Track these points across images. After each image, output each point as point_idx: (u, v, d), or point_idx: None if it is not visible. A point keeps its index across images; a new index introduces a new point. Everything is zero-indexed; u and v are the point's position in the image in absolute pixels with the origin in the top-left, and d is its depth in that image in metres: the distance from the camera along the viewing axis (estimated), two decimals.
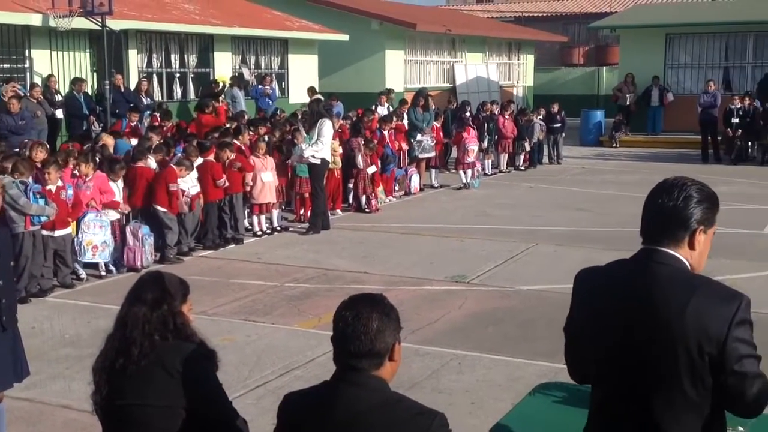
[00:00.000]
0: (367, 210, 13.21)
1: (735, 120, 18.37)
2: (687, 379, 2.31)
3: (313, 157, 11.37)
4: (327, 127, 11.44)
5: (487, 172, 17.56)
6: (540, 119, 18.66)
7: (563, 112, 19.57)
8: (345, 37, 21.10)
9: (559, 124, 19.23)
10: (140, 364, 2.87)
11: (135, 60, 16.92)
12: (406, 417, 2.39)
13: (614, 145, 21.82)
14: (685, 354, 2.30)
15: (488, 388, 6.00)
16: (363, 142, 13.33)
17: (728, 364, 2.28)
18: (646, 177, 16.72)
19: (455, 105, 18.52)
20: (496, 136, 17.61)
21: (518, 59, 29.91)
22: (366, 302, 2.48)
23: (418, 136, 15.45)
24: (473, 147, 15.62)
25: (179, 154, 10.76)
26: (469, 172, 15.67)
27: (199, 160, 10.66)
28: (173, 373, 2.85)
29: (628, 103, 22.53)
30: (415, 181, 15.21)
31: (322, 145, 11.35)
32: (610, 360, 2.45)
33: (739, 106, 18.46)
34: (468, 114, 16.80)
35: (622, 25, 24.33)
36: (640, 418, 2.40)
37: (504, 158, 17.96)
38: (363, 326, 2.40)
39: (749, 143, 18.97)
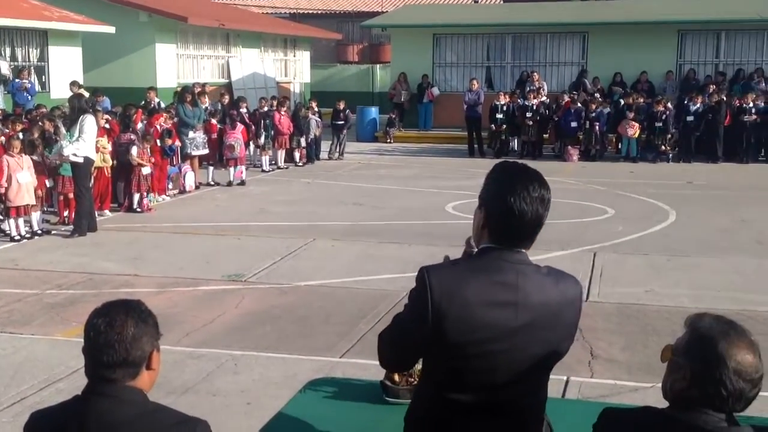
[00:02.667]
0: (138, 210, 12.62)
1: (499, 115, 19.48)
2: (553, 358, 2.60)
3: (75, 155, 10.68)
4: (89, 123, 10.78)
5: (264, 168, 17.42)
6: (316, 116, 18.78)
7: (347, 110, 19.87)
8: (111, 30, 20.09)
9: (342, 122, 19.48)
10: None
11: None
12: (165, 427, 2.24)
13: (389, 140, 22.44)
14: (554, 338, 2.54)
15: (265, 387, 5.89)
16: (139, 137, 12.75)
17: (571, 341, 2.63)
18: (418, 171, 17.37)
19: (228, 100, 18.20)
20: (273, 132, 17.51)
21: (294, 55, 29.98)
22: (120, 308, 2.30)
23: (190, 133, 14.99)
24: (232, 142, 15.36)
25: None
26: (231, 169, 15.38)
27: None
28: None
29: (402, 100, 23.29)
30: (189, 179, 14.75)
31: (84, 143, 10.68)
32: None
33: (503, 102, 19.59)
34: (244, 110, 16.55)
35: (392, 24, 25.06)
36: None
37: (281, 154, 17.89)
38: (117, 334, 2.23)
39: (511, 138, 20.19)
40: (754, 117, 18.25)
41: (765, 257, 9.68)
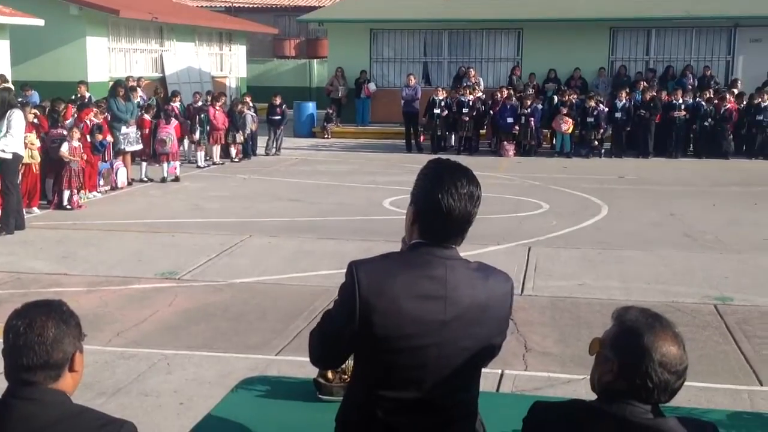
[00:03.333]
0: (68, 207, 12.31)
1: (437, 111, 19.57)
2: (481, 354, 2.58)
3: (3, 151, 10.36)
4: (17, 118, 10.47)
5: (200, 164, 17.18)
6: (251, 111, 18.59)
7: (284, 105, 19.73)
8: (40, 22, 19.50)
9: (279, 117, 19.33)
10: None
11: None
12: (90, 429, 2.19)
13: (326, 136, 22.36)
14: (483, 335, 2.54)
15: (198, 386, 5.80)
16: (70, 132, 12.44)
17: (504, 336, 2.64)
18: (356, 167, 17.35)
19: (162, 95, 17.88)
20: (208, 128, 17.28)
21: (230, 50, 29.62)
22: (40, 309, 2.24)
23: (123, 128, 14.69)
24: (164, 137, 15.10)
25: None
26: (165, 165, 15.14)
27: None
28: None
29: (339, 95, 23.22)
30: (121, 176, 14.45)
31: (12, 138, 10.37)
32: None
33: (441, 98, 19.67)
34: (178, 104, 16.28)
35: (328, 19, 24.96)
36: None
37: (217, 150, 17.67)
38: (37, 336, 2.17)
39: (448, 133, 20.30)
40: (684, 113, 18.71)
41: (692, 250, 9.93)
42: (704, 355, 6.38)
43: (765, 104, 18.66)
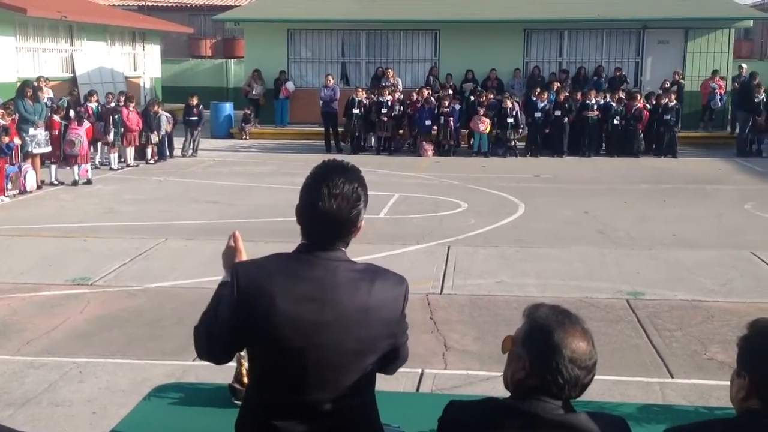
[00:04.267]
0: None
1: (356, 111, 19.55)
2: (368, 359, 2.46)
3: None
4: None
5: (113, 167, 16.75)
6: (166, 112, 18.24)
7: (201, 106, 19.41)
8: None
9: (196, 118, 19.02)
10: None
11: None
12: None
13: (244, 137, 22.10)
14: (369, 338, 2.44)
15: (111, 394, 5.64)
16: None
17: (400, 339, 2.53)
18: (275, 168, 17.20)
19: (76, 95, 17.37)
20: (122, 129, 16.87)
21: (144, 49, 28.99)
22: None
23: (31, 130, 14.20)
24: (73, 138, 14.68)
25: None
26: (76, 168, 14.71)
27: None
28: None
29: (257, 96, 22.97)
30: (30, 179, 13.97)
31: None
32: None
33: (360, 98, 19.65)
34: (94, 104, 15.84)
35: (244, 18, 24.67)
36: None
37: (131, 152, 17.26)
38: None
39: (365, 135, 20.31)
40: (596, 113, 19.18)
41: (606, 246, 10.18)
42: (617, 348, 6.54)
43: (671, 104, 19.30)
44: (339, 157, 17.35)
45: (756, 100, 19.26)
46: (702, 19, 22.44)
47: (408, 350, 2.61)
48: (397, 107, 19.71)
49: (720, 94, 21.38)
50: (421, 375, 5.95)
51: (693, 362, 6.32)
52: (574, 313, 2.28)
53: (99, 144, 17.08)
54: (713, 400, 5.36)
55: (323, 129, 20.38)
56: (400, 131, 20.20)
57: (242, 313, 2.38)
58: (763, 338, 2.24)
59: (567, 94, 19.56)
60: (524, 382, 2.25)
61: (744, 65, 22.37)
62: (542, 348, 2.21)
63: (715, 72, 21.89)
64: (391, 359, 2.55)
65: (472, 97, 20.20)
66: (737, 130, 20.13)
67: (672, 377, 6.05)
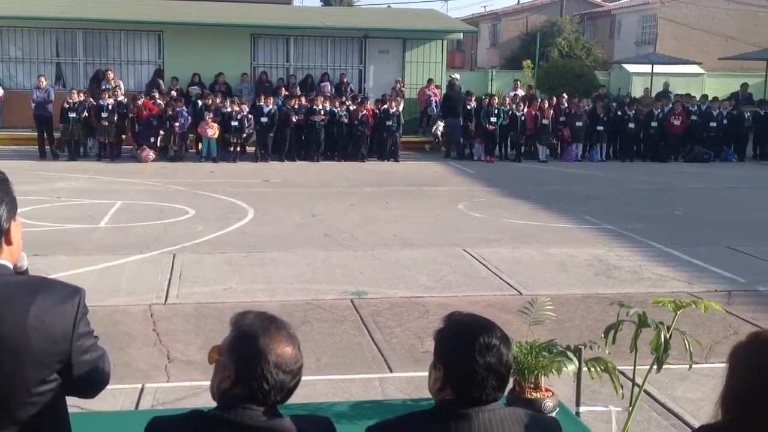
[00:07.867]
0: None
1: (73, 115, 18.40)
2: (37, 383, 2.21)
3: None
4: None
5: None
6: None
7: None
8: None
9: None
10: None
11: None
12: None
13: None
14: (32, 360, 2.17)
15: None
16: None
17: (79, 357, 2.27)
18: None
19: None
20: None
21: None
22: None
23: None
24: None
25: None
26: None
27: None
28: None
29: None
30: None
31: None
32: None
33: (75, 101, 18.51)
34: None
35: None
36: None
37: None
38: None
39: (86, 139, 19.23)
40: (322, 117, 19.60)
41: (331, 249, 10.43)
42: (341, 348, 6.69)
43: (393, 110, 20.27)
44: (54, 164, 16.18)
45: (468, 107, 20.77)
46: (417, 30, 23.88)
47: (108, 367, 2.42)
48: (118, 110, 18.84)
49: (435, 101, 22.82)
50: (142, 390, 5.68)
51: (410, 356, 6.63)
52: (281, 319, 2.30)
53: None
54: (427, 392, 5.65)
55: (36, 134, 18.97)
56: (123, 136, 19.34)
57: None
58: (456, 331, 2.37)
59: (297, 99, 19.86)
60: (231, 391, 2.23)
61: (456, 75, 24.05)
62: (248, 355, 2.20)
63: (430, 80, 23.33)
64: (84, 380, 2.32)
65: (200, 102, 19.84)
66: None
67: (391, 372, 6.30)
